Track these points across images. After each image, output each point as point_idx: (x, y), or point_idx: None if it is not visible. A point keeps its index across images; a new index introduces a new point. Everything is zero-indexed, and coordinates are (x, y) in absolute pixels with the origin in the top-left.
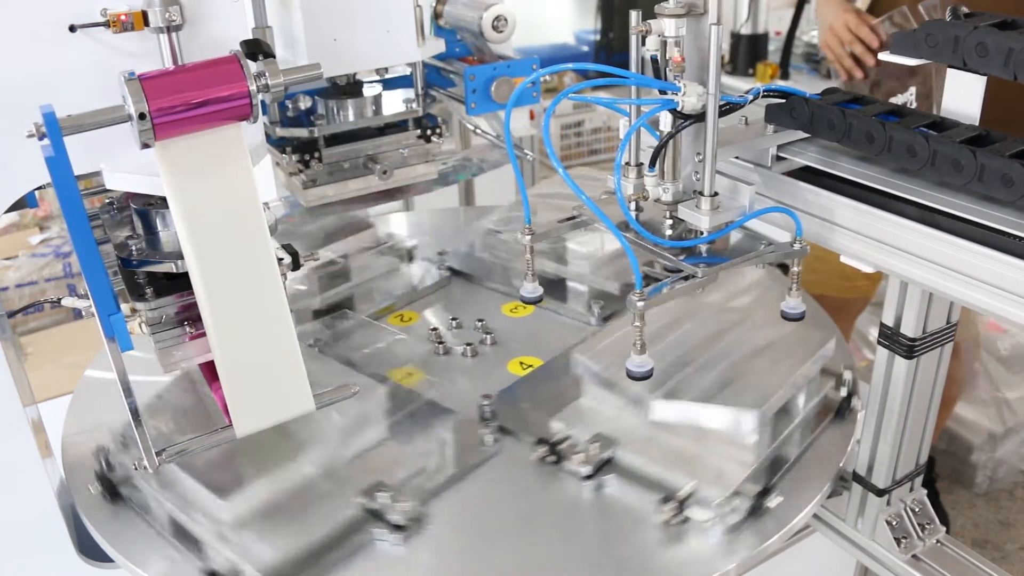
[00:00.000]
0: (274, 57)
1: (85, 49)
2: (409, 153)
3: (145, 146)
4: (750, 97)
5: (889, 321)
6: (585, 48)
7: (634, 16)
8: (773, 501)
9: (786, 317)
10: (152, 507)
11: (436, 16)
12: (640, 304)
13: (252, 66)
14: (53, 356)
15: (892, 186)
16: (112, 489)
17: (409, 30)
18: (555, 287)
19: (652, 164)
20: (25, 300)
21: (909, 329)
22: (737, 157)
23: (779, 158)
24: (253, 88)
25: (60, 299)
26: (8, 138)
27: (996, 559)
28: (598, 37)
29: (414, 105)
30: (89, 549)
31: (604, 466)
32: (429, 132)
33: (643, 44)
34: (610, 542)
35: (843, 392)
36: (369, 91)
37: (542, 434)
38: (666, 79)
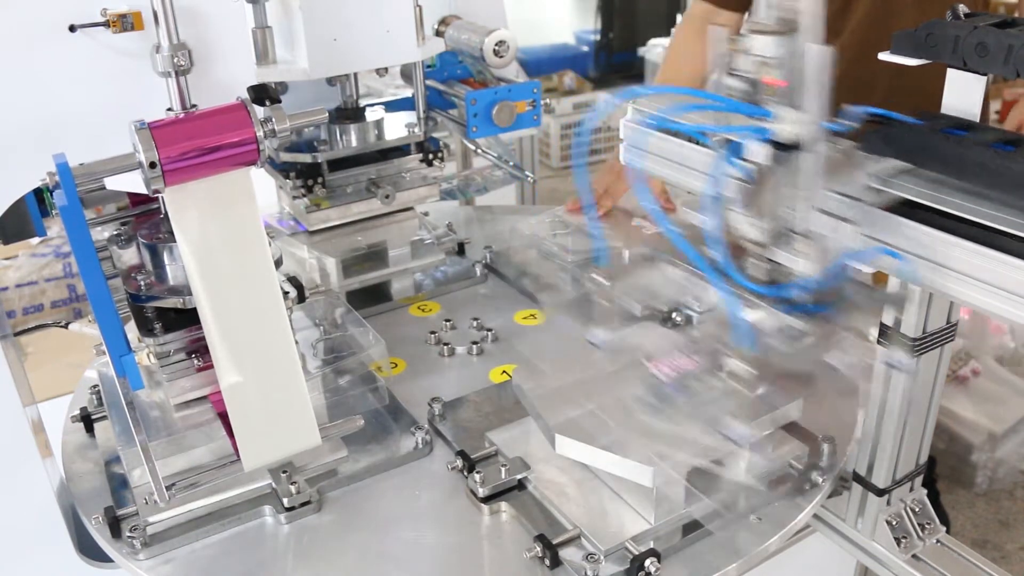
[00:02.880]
0: (280, 102)
1: (85, 49)
2: (411, 177)
3: (155, 192)
4: (852, 124)
5: (889, 321)
6: (585, 48)
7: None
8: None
9: None
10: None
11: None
12: None
13: (259, 111)
14: (53, 356)
15: (892, 186)
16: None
17: (408, 30)
18: (581, 302)
19: (741, 199)
20: (25, 300)
21: (909, 329)
22: (832, 190)
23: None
24: (260, 134)
25: (67, 324)
26: (8, 139)
27: (996, 559)
28: (598, 37)
29: (416, 129)
30: (89, 549)
31: (510, 490)
32: (431, 156)
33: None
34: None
35: (800, 464)
36: (371, 116)
37: (466, 446)
38: (758, 104)
